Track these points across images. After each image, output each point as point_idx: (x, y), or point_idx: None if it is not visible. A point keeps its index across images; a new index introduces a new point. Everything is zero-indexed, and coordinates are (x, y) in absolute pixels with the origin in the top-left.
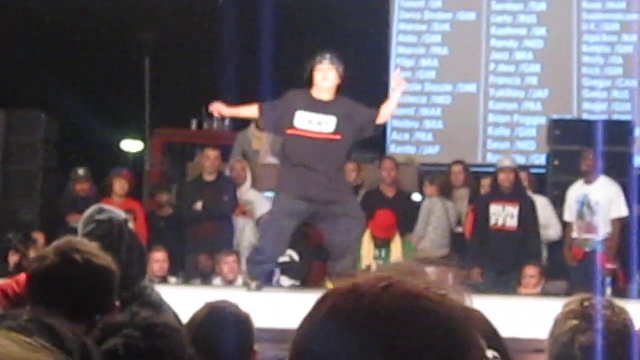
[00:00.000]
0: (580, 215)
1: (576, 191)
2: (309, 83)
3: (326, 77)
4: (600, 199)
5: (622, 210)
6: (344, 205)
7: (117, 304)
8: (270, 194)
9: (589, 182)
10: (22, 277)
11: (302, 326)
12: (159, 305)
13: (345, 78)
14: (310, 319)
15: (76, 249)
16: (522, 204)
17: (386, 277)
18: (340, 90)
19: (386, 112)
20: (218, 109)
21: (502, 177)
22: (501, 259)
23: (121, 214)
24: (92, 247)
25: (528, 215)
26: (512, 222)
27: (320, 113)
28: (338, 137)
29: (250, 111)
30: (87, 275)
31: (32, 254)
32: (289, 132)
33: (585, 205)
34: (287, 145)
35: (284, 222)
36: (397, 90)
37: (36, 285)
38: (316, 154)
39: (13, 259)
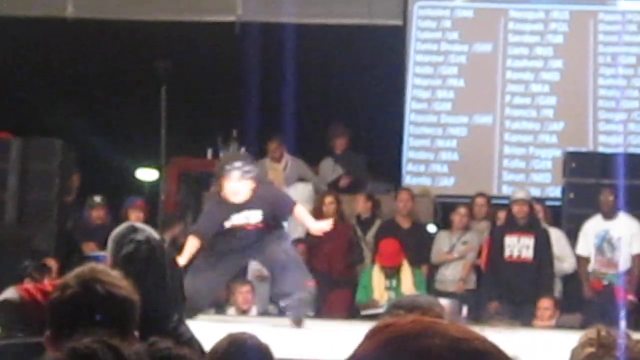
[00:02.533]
0: (600, 251)
1: (595, 226)
2: (220, 185)
3: (236, 192)
4: (622, 235)
5: None
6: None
7: (136, 333)
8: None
9: (608, 217)
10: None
11: None
12: (189, 338)
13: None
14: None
15: (98, 278)
16: (537, 236)
17: (421, 320)
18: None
19: (301, 218)
20: None
21: (516, 209)
22: (516, 291)
23: (154, 234)
24: (114, 275)
25: (543, 246)
26: (528, 254)
27: (244, 210)
28: (263, 225)
29: (193, 246)
30: (107, 306)
31: (47, 282)
32: (226, 227)
33: (605, 240)
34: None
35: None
36: (316, 229)
37: (56, 314)
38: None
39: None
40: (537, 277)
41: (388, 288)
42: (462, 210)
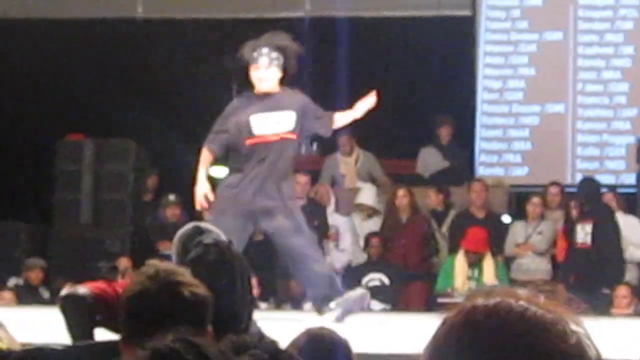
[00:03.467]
0: None
1: None
2: (249, 83)
3: (263, 78)
4: None
5: None
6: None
7: (210, 329)
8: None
9: None
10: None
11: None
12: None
13: (292, 65)
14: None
15: (175, 278)
16: (596, 221)
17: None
18: (286, 79)
19: (342, 121)
20: (200, 199)
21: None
22: (584, 278)
23: (221, 235)
24: (188, 274)
25: (604, 232)
26: (587, 239)
27: (274, 110)
28: (293, 136)
29: (206, 161)
30: (186, 304)
31: (119, 282)
32: (249, 142)
33: None
34: (243, 154)
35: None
36: (360, 108)
37: (131, 311)
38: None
39: None
40: (602, 263)
41: (470, 278)
42: (536, 200)
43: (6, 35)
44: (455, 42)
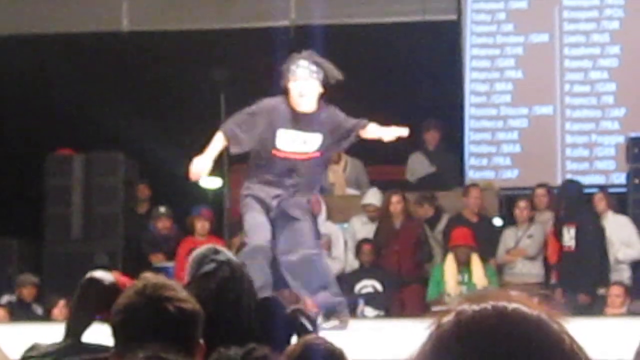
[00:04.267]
0: None
1: None
2: (285, 92)
3: (303, 93)
4: None
5: None
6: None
7: (201, 342)
8: (345, 225)
9: None
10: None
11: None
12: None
13: (329, 85)
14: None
15: (162, 293)
16: (578, 225)
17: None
18: (324, 96)
19: (374, 133)
20: (195, 172)
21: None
22: (574, 281)
23: (234, 257)
24: (179, 287)
25: (588, 235)
26: (571, 243)
27: (304, 130)
28: (318, 155)
29: (218, 144)
30: (175, 319)
31: None
32: (275, 153)
33: None
34: (263, 161)
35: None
36: (392, 134)
37: (117, 324)
38: (293, 173)
39: None
40: (586, 266)
41: (460, 282)
42: (522, 203)
43: None
44: (441, 46)
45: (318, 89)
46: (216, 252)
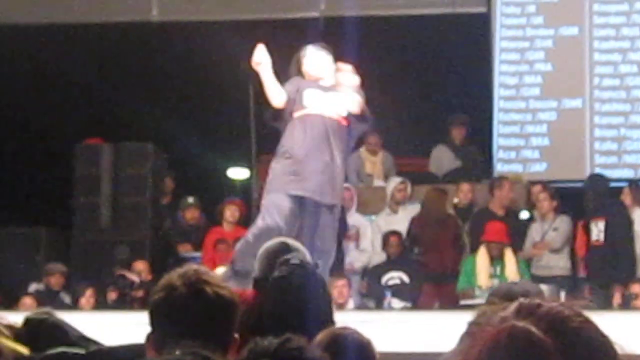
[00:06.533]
0: None
1: None
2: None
3: (318, 65)
4: None
5: None
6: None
7: (236, 336)
8: (374, 217)
9: None
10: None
11: None
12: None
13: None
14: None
15: (205, 280)
16: (607, 219)
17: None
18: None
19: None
20: (258, 58)
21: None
22: (602, 274)
23: (307, 255)
24: (219, 277)
25: (616, 229)
26: (600, 237)
27: (329, 91)
28: (345, 122)
29: (277, 94)
30: (216, 308)
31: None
32: (298, 113)
33: None
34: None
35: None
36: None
37: (161, 316)
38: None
39: (111, 295)
40: (615, 260)
41: (493, 275)
42: (542, 195)
43: (25, 41)
44: (470, 39)
45: (330, 61)
46: (288, 249)
